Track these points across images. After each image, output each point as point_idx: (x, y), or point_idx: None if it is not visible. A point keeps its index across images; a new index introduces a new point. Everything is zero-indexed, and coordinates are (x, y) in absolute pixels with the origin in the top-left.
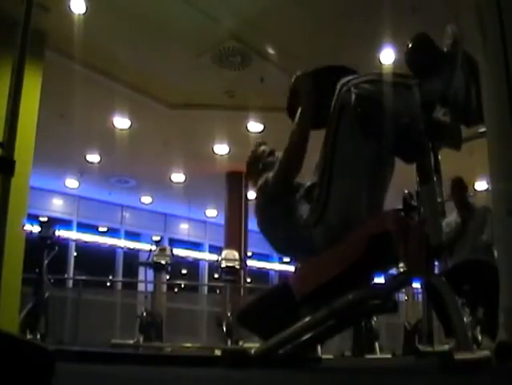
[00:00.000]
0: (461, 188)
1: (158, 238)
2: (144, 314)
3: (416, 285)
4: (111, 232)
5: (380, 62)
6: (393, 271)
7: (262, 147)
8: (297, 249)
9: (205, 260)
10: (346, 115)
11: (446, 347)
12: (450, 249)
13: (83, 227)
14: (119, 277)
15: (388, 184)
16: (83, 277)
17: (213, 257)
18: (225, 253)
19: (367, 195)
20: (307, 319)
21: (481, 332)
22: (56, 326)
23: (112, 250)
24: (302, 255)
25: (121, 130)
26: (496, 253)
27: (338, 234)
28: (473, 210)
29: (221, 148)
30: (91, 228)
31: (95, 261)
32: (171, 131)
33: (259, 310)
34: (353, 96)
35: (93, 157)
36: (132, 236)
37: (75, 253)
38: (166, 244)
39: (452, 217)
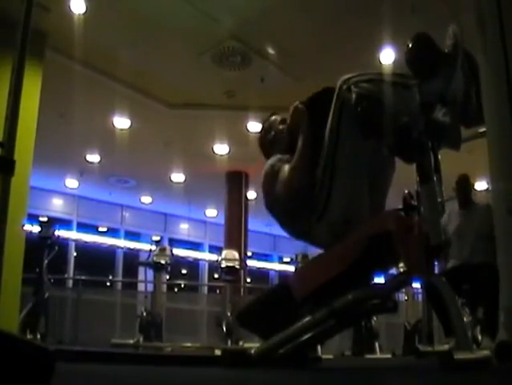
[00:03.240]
0: (466, 185)
1: (158, 238)
2: (144, 313)
3: (416, 285)
4: (111, 232)
5: (380, 62)
6: (393, 271)
7: (274, 116)
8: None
9: (205, 260)
10: (346, 113)
11: (446, 347)
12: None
13: (83, 227)
14: (119, 277)
15: (389, 182)
16: (83, 277)
17: (213, 257)
18: (225, 253)
19: (368, 193)
20: (307, 319)
21: (481, 332)
22: (56, 326)
23: (112, 250)
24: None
25: (121, 130)
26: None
27: (339, 232)
28: (475, 208)
29: (221, 148)
30: (91, 228)
31: (95, 261)
32: (171, 131)
33: (259, 310)
34: (353, 95)
35: (93, 157)
36: (132, 236)
37: (75, 253)
38: (166, 244)
39: (453, 215)
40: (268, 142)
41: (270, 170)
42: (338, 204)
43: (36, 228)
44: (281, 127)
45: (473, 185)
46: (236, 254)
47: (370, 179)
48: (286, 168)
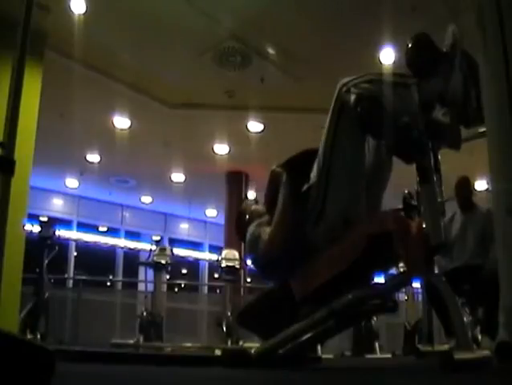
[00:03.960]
0: (466, 187)
1: (158, 238)
2: (144, 313)
3: (416, 285)
4: (111, 232)
5: (380, 62)
6: (393, 271)
7: (245, 202)
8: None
9: (205, 260)
10: (345, 114)
11: (446, 347)
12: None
13: (83, 227)
14: (120, 277)
15: (386, 183)
16: (83, 277)
17: (213, 256)
18: (225, 252)
19: (366, 194)
20: (307, 319)
21: (481, 332)
22: (56, 326)
23: (112, 250)
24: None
25: (121, 130)
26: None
27: (337, 233)
28: (476, 211)
29: (221, 148)
30: (91, 228)
31: (95, 260)
32: (171, 131)
33: (259, 310)
34: (353, 96)
35: (93, 157)
36: (132, 236)
37: (75, 253)
38: (166, 244)
39: (456, 216)
40: (245, 223)
41: (252, 236)
42: (336, 206)
43: (36, 228)
44: (254, 207)
45: (474, 186)
46: (236, 254)
47: (368, 179)
48: (267, 229)
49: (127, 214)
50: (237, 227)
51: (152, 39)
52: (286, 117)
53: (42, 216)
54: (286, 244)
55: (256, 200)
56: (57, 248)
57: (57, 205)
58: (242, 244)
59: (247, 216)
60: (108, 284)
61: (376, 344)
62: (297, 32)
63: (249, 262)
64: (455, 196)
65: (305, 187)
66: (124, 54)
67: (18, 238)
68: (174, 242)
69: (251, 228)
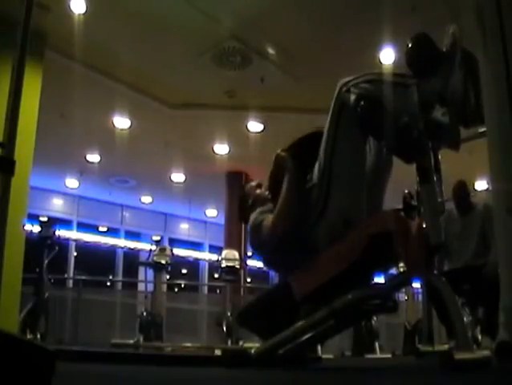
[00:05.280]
0: (463, 189)
1: (158, 238)
2: (144, 313)
3: (416, 285)
4: (111, 232)
5: (380, 62)
6: (393, 271)
7: (249, 184)
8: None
9: (205, 260)
10: (345, 114)
11: (446, 347)
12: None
13: (83, 227)
14: (119, 277)
15: (386, 182)
16: (83, 277)
17: (213, 256)
18: (225, 252)
19: (367, 194)
20: (307, 319)
21: (481, 332)
22: (56, 326)
23: (112, 250)
24: (301, 256)
25: (121, 130)
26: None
27: (338, 233)
28: (474, 212)
29: (221, 148)
30: (91, 228)
31: (95, 260)
32: (171, 131)
33: (259, 310)
34: (352, 96)
35: (93, 157)
36: (132, 236)
37: (75, 253)
38: (166, 244)
39: (453, 216)
40: (248, 208)
41: (254, 223)
42: (337, 206)
43: (36, 228)
44: (258, 191)
45: (473, 185)
46: (236, 254)
47: (368, 179)
48: (270, 216)
49: (127, 214)
50: (239, 210)
51: (152, 39)
52: (286, 117)
53: (42, 216)
54: (288, 230)
55: (259, 184)
56: (57, 248)
57: (57, 205)
58: (242, 241)
59: (250, 201)
60: (108, 284)
61: (376, 344)
62: (297, 32)
63: (251, 251)
64: (452, 199)
65: (308, 185)
66: (124, 54)
67: (18, 238)
68: (174, 242)
69: (254, 216)
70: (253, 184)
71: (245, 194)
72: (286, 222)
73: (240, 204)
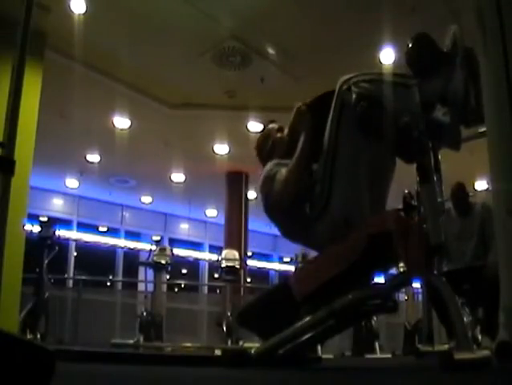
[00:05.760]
0: (461, 190)
1: (158, 238)
2: (144, 313)
3: (416, 285)
4: (111, 232)
5: (380, 62)
6: (393, 271)
7: (272, 124)
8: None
9: (205, 260)
10: (346, 113)
11: (446, 347)
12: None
13: (83, 227)
14: (119, 277)
15: (389, 182)
16: (83, 277)
17: (213, 256)
18: (225, 252)
19: (369, 193)
20: (307, 319)
21: (481, 332)
22: (56, 326)
23: (112, 250)
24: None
25: (121, 130)
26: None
27: (339, 231)
28: (473, 212)
29: (221, 148)
30: (91, 228)
31: (95, 260)
32: (171, 131)
33: (259, 310)
34: (353, 95)
35: (93, 157)
36: (132, 236)
37: (75, 253)
38: (166, 244)
39: (451, 216)
40: (266, 150)
41: (268, 173)
42: (338, 205)
43: (36, 228)
44: (279, 135)
45: (472, 187)
46: (236, 254)
47: (370, 179)
48: (284, 170)
49: (127, 214)
50: (258, 150)
51: (152, 39)
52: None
53: (42, 216)
54: (298, 189)
55: (280, 127)
56: (57, 248)
57: (57, 205)
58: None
59: (269, 142)
60: (108, 284)
61: (376, 344)
62: (297, 32)
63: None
64: (451, 200)
65: (310, 180)
66: (124, 54)
67: (18, 238)
68: (174, 242)
69: (269, 165)
70: (275, 126)
71: (266, 136)
72: (297, 180)
73: (259, 143)
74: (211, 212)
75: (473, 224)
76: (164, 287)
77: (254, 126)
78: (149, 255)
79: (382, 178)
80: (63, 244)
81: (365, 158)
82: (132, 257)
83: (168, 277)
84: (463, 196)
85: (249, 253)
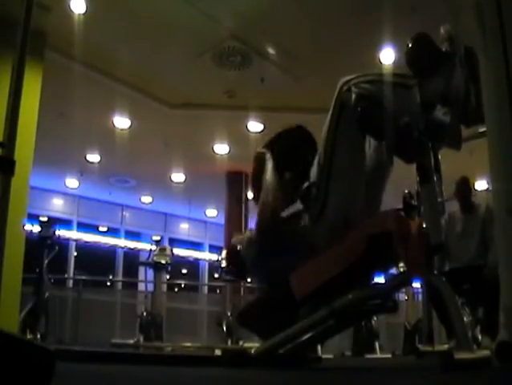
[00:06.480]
0: (466, 188)
1: (158, 238)
2: (144, 313)
3: (416, 285)
4: (112, 232)
5: (380, 62)
6: (393, 271)
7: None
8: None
9: (205, 260)
10: (346, 114)
11: (446, 347)
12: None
13: (83, 227)
14: (120, 277)
15: (385, 183)
16: (84, 277)
17: (213, 256)
18: (225, 252)
19: (366, 193)
20: (307, 319)
21: (481, 332)
22: (56, 326)
23: (112, 250)
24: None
25: (121, 130)
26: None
27: (337, 232)
28: (476, 212)
29: (221, 148)
30: (92, 228)
31: (96, 260)
32: (171, 131)
33: (259, 310)
34: (353, 96)
35: (93, 157)
36: (132, 236)
37: (75, 253)
38: (166, 244)
39: (455, 216)
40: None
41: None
42: (336, 204)
43: (36, 228)
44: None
45: (474, 185)
46: None
47: (368, 178)
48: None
49: (127, 214)
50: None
51: (152, 39)
52: (286, 117)
53: (42, 216)
54: (272, 224)
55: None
56: (57, 248)
57: (57, 205)
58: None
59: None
60: (108, 284)
61: (376, 344)
62: (297, 32)
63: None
64: (455, 196)
65: (305, 185)
66: (124, 54)
67: (18, 238)
68: (174, 242)
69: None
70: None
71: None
72: (267, 217)
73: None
74: (211, 212)
75: (476, 223)
76: (164, 287)
77: (254, 126)
78: (149, 255)
79: (379, 178)
80: (63, 244)
81: (363, 158)
82: (132, 257)
83: (168, 277)
84: (467, 189)
85: None
